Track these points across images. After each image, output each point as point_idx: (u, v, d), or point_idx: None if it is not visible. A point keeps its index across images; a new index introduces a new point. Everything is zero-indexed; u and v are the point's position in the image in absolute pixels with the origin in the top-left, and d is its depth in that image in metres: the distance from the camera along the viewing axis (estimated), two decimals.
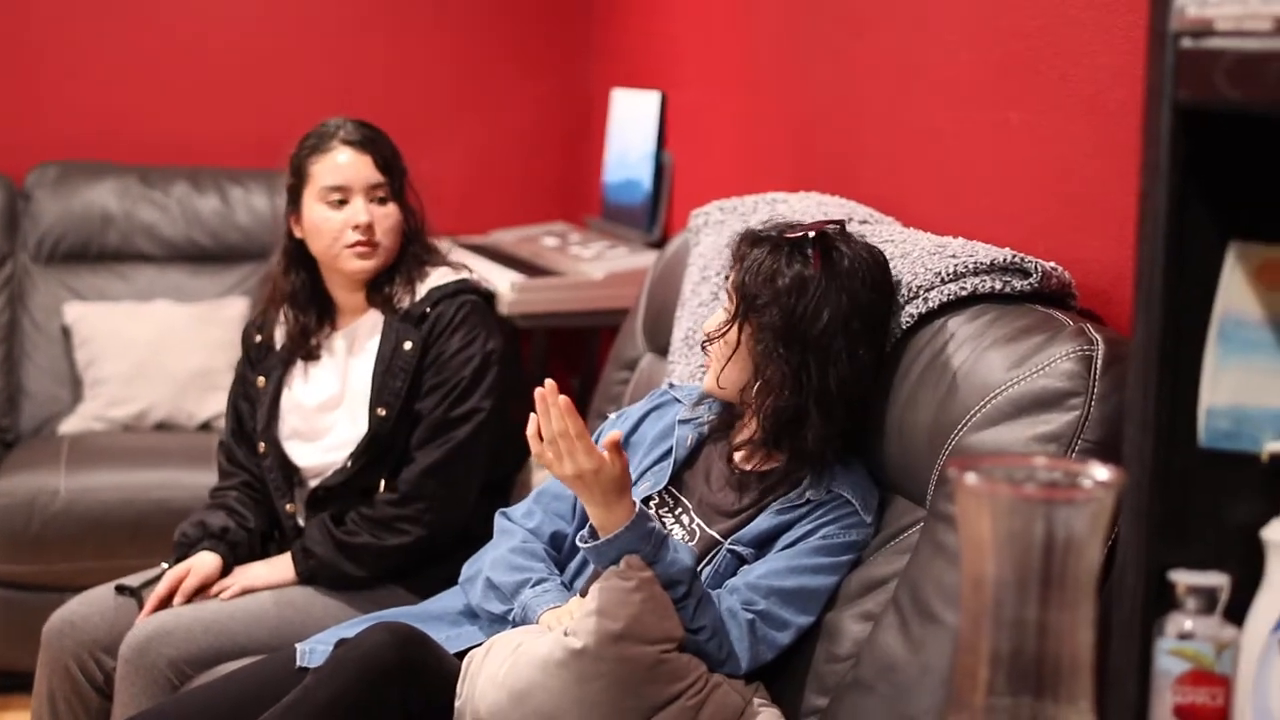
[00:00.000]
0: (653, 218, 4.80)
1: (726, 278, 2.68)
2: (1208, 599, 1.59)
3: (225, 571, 3.17)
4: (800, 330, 2.50)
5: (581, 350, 5.20)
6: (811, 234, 2.54)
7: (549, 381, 2.45)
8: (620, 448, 2.43)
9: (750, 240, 2.61)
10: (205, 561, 3.14)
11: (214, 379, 4.79)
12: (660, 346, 3.49)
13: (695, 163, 4.63)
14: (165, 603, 3.08)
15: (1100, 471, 1.46)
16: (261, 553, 3.27)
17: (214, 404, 4.75)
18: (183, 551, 3.18)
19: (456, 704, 2.42)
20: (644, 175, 4.85)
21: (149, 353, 4.79)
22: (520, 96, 5.62)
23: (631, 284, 4.41)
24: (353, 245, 3.16)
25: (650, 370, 3.50)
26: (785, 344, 2.50)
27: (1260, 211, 1.59)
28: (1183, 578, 1.59)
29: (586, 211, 5.45)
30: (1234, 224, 1.59)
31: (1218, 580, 1.58)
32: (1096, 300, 2.56)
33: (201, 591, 3.12)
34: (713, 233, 3.31)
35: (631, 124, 4.99)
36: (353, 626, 2.78)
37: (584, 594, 2.53)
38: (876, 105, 3.42)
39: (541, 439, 2.43)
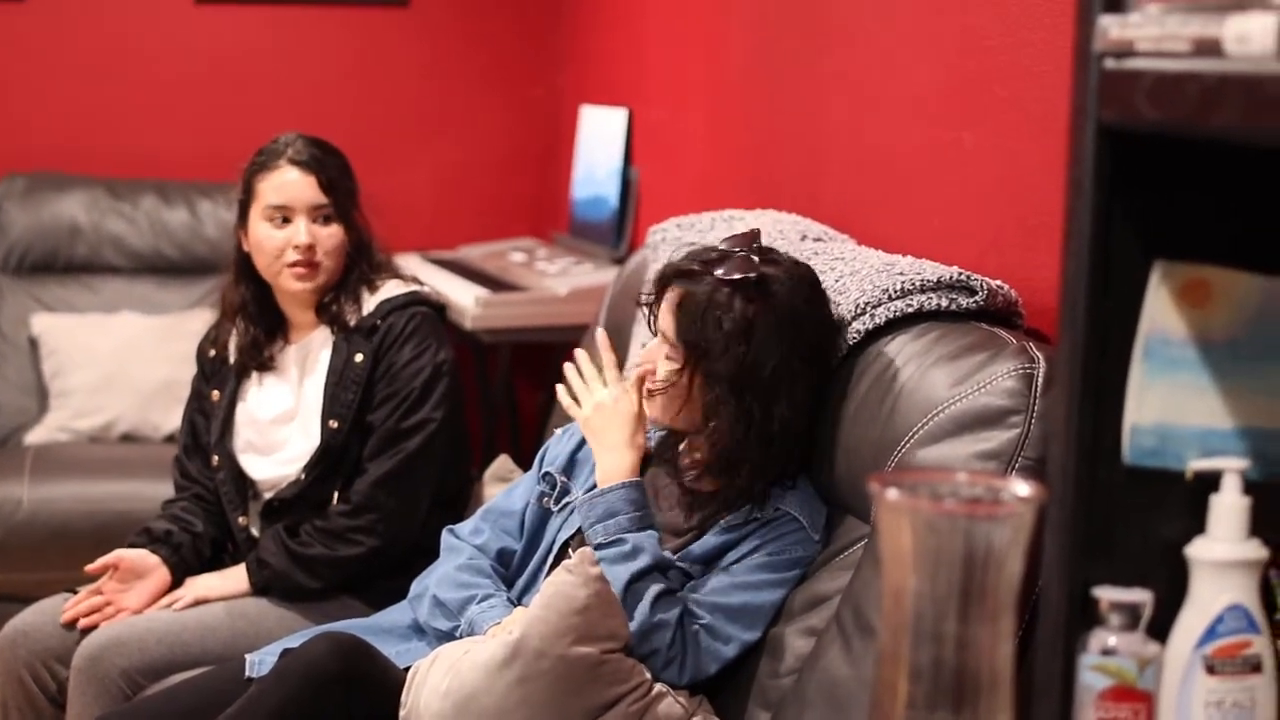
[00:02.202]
0: (619, 234, 4.81)
1: (650, 316, 2.68)
2: (1131, 615, 1.59)
3: (171, 570, 3.16)
4: (750, 376, 2.51)
5: (545, 365, 5.21)
6: (751, 274, 2.53)
7: (599, 333, 2.66)
8: (642, 386, 2.53)
9: (679, 277, 2.59)
10: (129, 553, 3.14)
11: (180, 391, 4.69)
12: (618, 363, 3.49)
13: (661, 179, 4.64)
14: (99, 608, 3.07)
15: (1022, 487, 1.47)
16: (212, 561, 3.26)
17: (180, 416, 4.71)
18: None
19: (401, 714, 2.43)
20: (611, 191, 4.86)
21: (115, 364, 4.79)
22: (490, 112, 5.63)
23: (595, 300, 4.41)
24: (293, 265, 3.16)
25: None
26: (735, 392, 2.51)
27: (1184, 231, 1.61)
28: (1106, 594, 1.60)
29: (555, 227, 5.46)
30: (1159, 243, 1.61)
31: (1141, 596, 1.59)
32: (1045, 319, 2.57)
33: (133, 577, 3.12)
34: (669, 249, 3.31)
35: (599, 140, 5.00)
36: (300, 638, 2.78)
37: None
38: (837, 124, 3.44)
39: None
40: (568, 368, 2.64)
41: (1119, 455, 1.62)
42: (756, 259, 2.56)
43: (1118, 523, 1.63)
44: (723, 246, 2.61)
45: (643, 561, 2.44)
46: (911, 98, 3.09)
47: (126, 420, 4.76)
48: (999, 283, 2.55)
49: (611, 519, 2.50)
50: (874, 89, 3.26)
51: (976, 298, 2.53)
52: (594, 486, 2.67)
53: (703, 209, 3.57)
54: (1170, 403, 1.62)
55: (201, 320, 4.86)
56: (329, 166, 3.21)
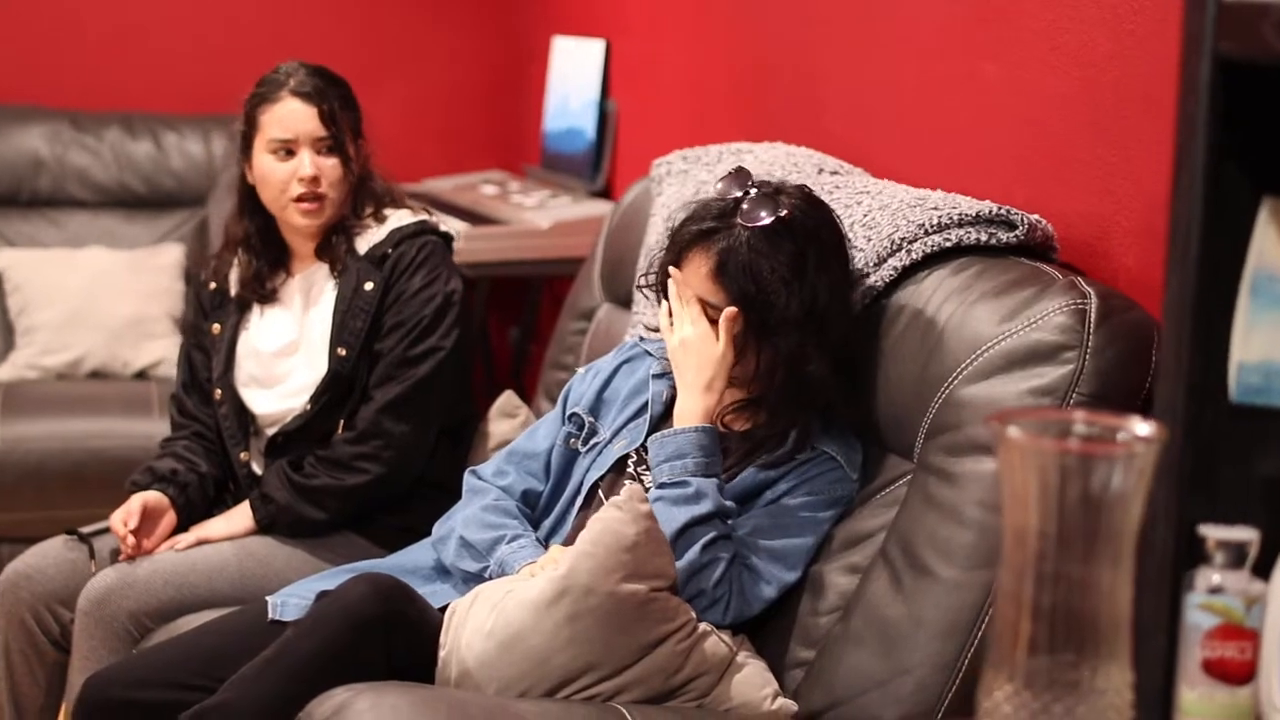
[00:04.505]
0: (596, 166, 4.76)
1: (653, 276, 2.66)
2: (1237, 554, 1.58)
3: (177, 512, 3.12)
4: (813, 307, 2.49)
5: (519, 300, 5.17)
6: (780, 213, 2.50)
7: (673, 270, 2.57)
8: (731, 326, 2.49)
9: (701, 239, 2.55)
10: (149, 496, 3.09)
11: (149, 327, 4.72)
12: (618, 297, 3.47)
13: (641, 111, 4.60)
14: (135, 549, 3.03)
15: (1142, 427, 1.45)
16: (215, 501, 3.22)
17: (149, 352, 4.69)
18: None
19: (440, 655, 2.39)
20: (587, 124, 4.81)
21: (82, 300, 4.71)
22: (456, 44, 5.56)
23: (577, 233, 4.39)
24: (299, 199, 3.11)
25: (609, 320, 3.48)
26: (807, 328, 2.49)
27: None
28: (1213, 532, 1.59)
29: (525, 160, 5.40)
30: (1268, 179, 1.59)
31: (1247, 535, 1.58)
32: (1078, 253, 2.55)
33: (151, 521, 3.07)
34: (676, 182, 3.29)
35: (574, 72, 4.94)
36: (325, 579, 2.75)
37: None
38: (839, 54, 3.40)
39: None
40: (671, 287, 2.57)
41: (1225, 393, 1.61)
42: (770, 196, 2.53)
43: (1221, 461, 1.62)
44: (722, 196, 2.57)
45: (704, 507, 2.42)
46: (923, 27, 3.06)
47: (95, 357, 4.69)
48: (1036, 217, 2.53)
49: (679, 460, 2.46)
50: (879, 16, 3.23)
51: (1016, 232, 2.51)
52: (634, 417, 2.66)
53: (690, 143, 3.53)
54: (1277, 340, 1.61)
55: (169, 255, 4.83)
56: (331, 97, 3.15)
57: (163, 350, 4.69)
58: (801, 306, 2.48)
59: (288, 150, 3.12)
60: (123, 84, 5.25)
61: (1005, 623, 1.47)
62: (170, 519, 3.10)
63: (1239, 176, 1.58)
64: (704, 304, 2.53)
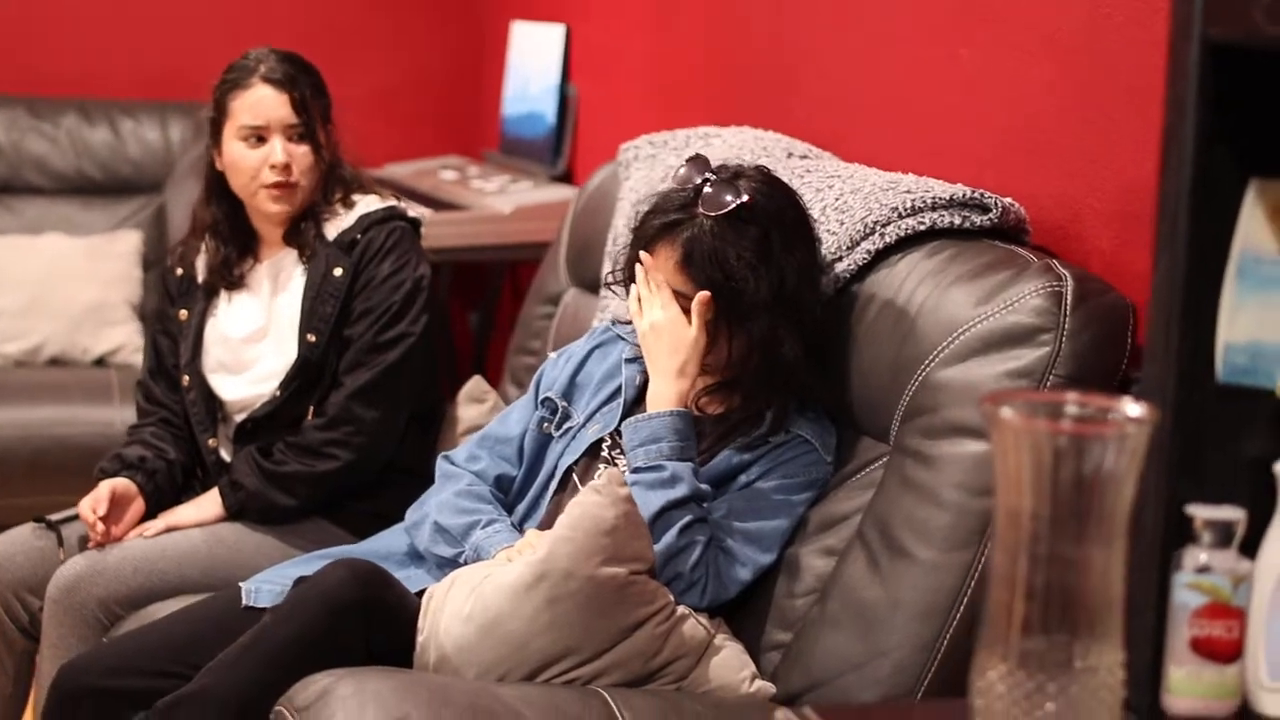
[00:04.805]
0: (557, 151, 4.76)
1: (619, 271, 2.68)
2: (1224, 533, 1.60)
3: (146, 499, 3.10)
4: (781, 288, 2.49)
5: (480, 286, 5.16)
6: (741, 199, 2.51)
7: (644, 255, 2.57)
8: (703, 310, 2.49)
9: (665, 231, 2.55)
10: (117, 483, 3.07)
11: (108, 313, 4.69)
12: (585, 281, 3.47)
13: (602, 96, 4.60)
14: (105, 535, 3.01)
15: (1133, 408, 1.46)
16: (183, 486, 3.21)
17: (109, 339, 4.67)
18: None
19: (418, 640, 2.39)
20: (547, 108, 4.81)
21: (41, 287, 4.67)
22: (413, 29, 5.54)
23: (540, 218, 4.38)
24: (270, 186, 3.10)
25: (575, 305, 3.48)
26: (777, 311, 2.49)
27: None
28: (1200, 512, 1.61)
29: (483, 145, 5.39)
30: (1253, 161, 1.60)
31: (1234, 514, 1.60)
32: (1051, 236, 2.57)
33: (120, 508, 3.05)
34: (644, 167, 3.29)
35: (533, 57, 4.94)
36: (299, 565, 2.75)
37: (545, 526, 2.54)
38: (808, 38, 3.41)
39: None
40: (609, 277, 2.58)
41: (1212, 374, 1.62)
42: (730, 181, 2.54)
43: (1208, 441, 1.63)
44: (682, 184, 2.57)
45: (680, 491, 2.42)
46: (897, 12, 3.07)
47: (54, 344, 4.65)
48: (1010, 200, 2.54)
49: (654, 444, 2.46)
50: (852, 2, 3.23)
51: (990, 215, 2.52)
52: (607, 401, 2.67)
53: (653, 127, 3.53)
54: (1263, 321, 1.63)
55: (127, 242, 4.80)
56: (301, 84, 3.14)
57: (122, 337, 4.67)
58: (770, 289, 2.49)
59: (259, 137, 3.11)
60: (80, 70, 5.21)
61: (999, 603, 1.48)
62: (139, 506, 3.08)
63: (1225, 158, 1.59)
64: (675, 294, 2.54)
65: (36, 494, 3.87)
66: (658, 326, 2.53)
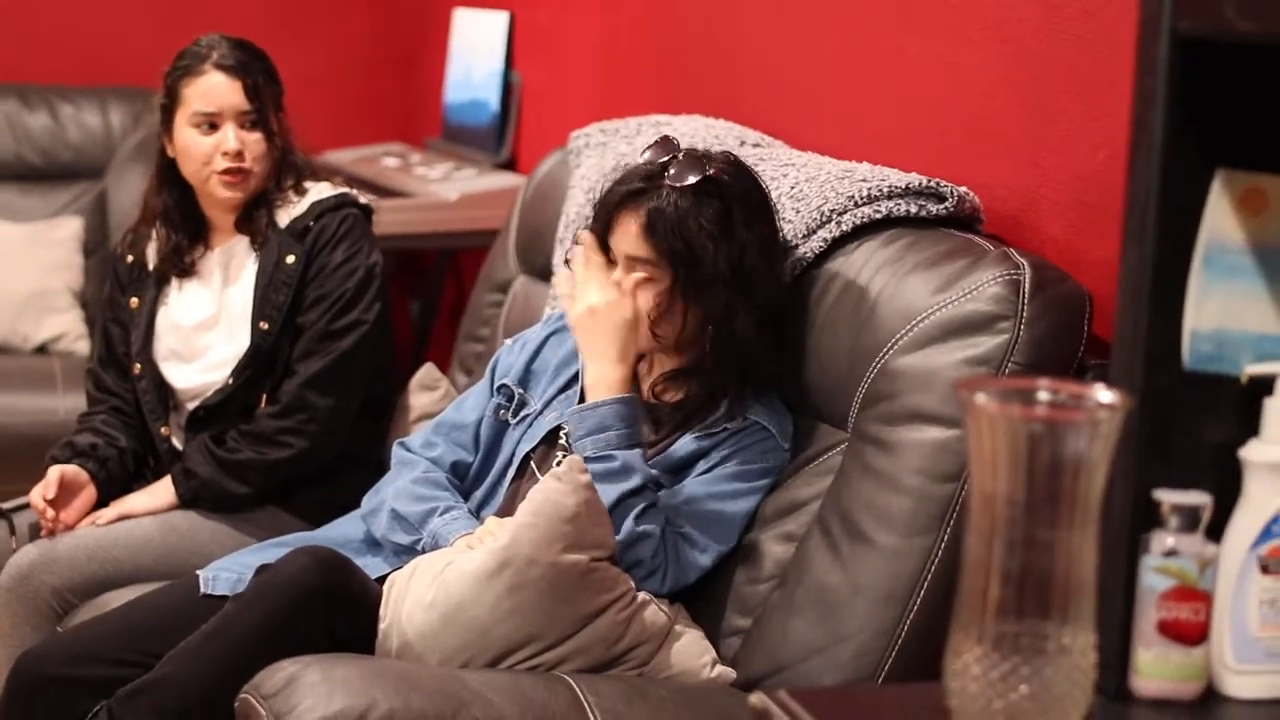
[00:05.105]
0: (500, 139, 4.76)
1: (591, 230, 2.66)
2: (1191, 517, 1.63)
3: (98, 487, 3.10)
4: (742, 265, 2.51)
5: (420, 273, 5.16)
6: (707, 171, 2.54)
7: (585, 235, 2.57)
8: (636, 293, 2.51)
9: (630, 199, 2.57)
10: (67, 469, 3.07)
11: (49, 300, 4.67)
12: (535, 268, 3.48)
13: (547, 83, 4.60)
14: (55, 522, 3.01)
15: (1105, 394, 1.49)
16: (134, 474, 3.21)
17: (50, 326, 4.64)
18: None
19: (381, 627, 2.40)
20: (491, 96, 4.81)
21: None
22: (351, 15, 5.53)
23: (485, 205, 4.38)
24: (223, 173, 3.10)
25: (525, 292, 3.48)
26: (732, 285, 2.51)
27: (1244, 139, 1.63)
28: (1167, 496, 1.63)
29: (424, 132, 5.38)
30: (1219, 151, 1.63)
31: (1201, 499, 1.63)
32: (1005, 225, 2.60)
33: (69, 494, 3.05)
34: (595, 154, 3.30)
35: (476, 44, 4.93)
36: (256, 553, 2.75)
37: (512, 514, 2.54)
38: (754, 26, 3.42)
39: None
40: (567, 259, 2.59)
41: (1179, 361, 1.65)
42: (697, 159, 2.56)
43: (1174, 427, 1.66)
44: (651, 161, 2.59)
45: (633, 481, 2.43)
46: (842, 3, 3.09)
47: None
48: (964, 189, 2.57)
49: (601, 434, 2.47)
50: None
51: (946, 204, 2.55)
52: (564, 388, 2.68)
53: (599, 115, 3.55)
54: (1228, 309, 1.65)
55: (68, 228, 4.78)
56: (255, 71, 3.14)
57: (64, 324, 4.65)
58: (729, 263, 2.51)
59: (211, 124, 3.11)
60: (17, 56, 5.16)
61: (973, 586, 1.50)
62: (90, 493, 3.08)
63: (1192, 150, 1.62)
64: (633, 261, 2.55)
65: None
66: (596, 310, 2.52)
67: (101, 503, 3.10)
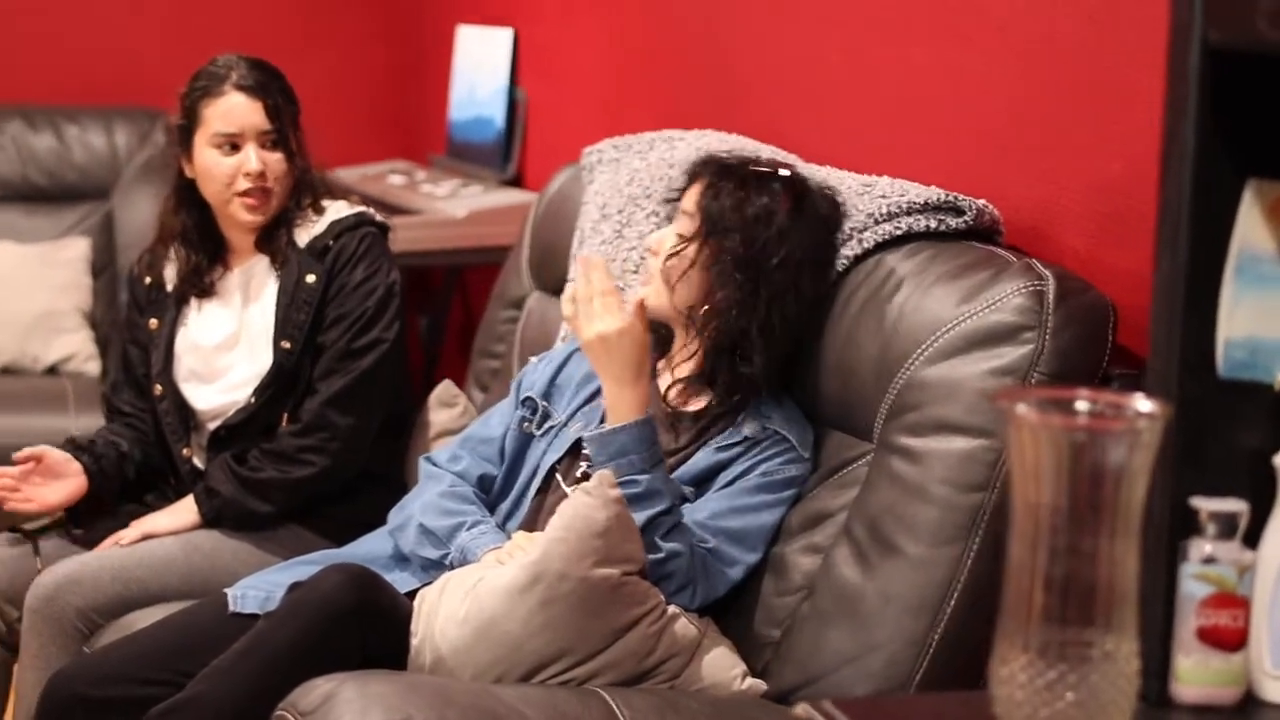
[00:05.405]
0: (506, 155, 4.78)
1: (671, 200, 2.73)
2: (1228, 524, 1.65)
3: (90, 478, 3.14)
4: (758, 260, 2.54)
5: (428, 290, 5.17)
6: (783, 172, 2.60)
7: (596, 259, 2.58)
8: (644, 314, 2.54)
9: (715, 167, 2.64)
10: (54, 450, 3.13)
11: (58, 321, 4.68)
12: (549, 284, 3.49)
13: (552, 100, 4.62)
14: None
15: (1145, 403, 1.50)
16: (135, 481, 3.23)
17: (60, 347, 4.66)
18: None
19: (413, 643, 2.41)
20: (496, 113, 4.83)
21: None
22: (352, 34, 5.55)
23: (494, 222, 4.40)
24: (244, 194, 3.12)
25: (540, 309, 3.50)
26: (742, 270, 2.54)
27: (1275, 149, 1.65)
28: (1205, 504, 1.65)
29: (429, 149, 5.40)
30: (1251, 161, 1.65)
31: (1237, 506, 1.65)
32: (1024, 237, 2.61)
33: (50, 474, 3.11)
34: (608, 170, 3.32)
35: (480, 61, 4.95)
36: (284, 570, 2.76)
37: (537, 527, 2.56)
38: (762, 41, 3.44)
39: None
40: (573, 281, 2.60)
41: (1213, 369, 1.67)
42: (786, 164, 2.65)
43: (1209, 435, 1.68)
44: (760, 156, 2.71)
45: (660, 504, 2.44)
46: (848, 13, 3.11)
47: (5, 353, 4.64)
48: (983, 202, 2.59)
49: (624, 458, 2.47)
50: (805, 3, 3.28)
51: (965, 217, 2.57)
52: (589, 400, 2.70)
53: (606, 131, 3.57)
54: (1260, 317, 1.68)
55: (75, 249, 4.79)
56: (274, 91, 3.15)
57: (74, 345, 4.66)
58: (746, 246, 2.55)
59: (232, 144, 3.12)
60: (21, 76, 5.18)
61: (1018, 594, 1.51)
62: (77, 483, 3.13)
63: (1223, 160, 1.64)
64: (683, 214, 2.63)
65: None
66: (607, 337, 2.51)
67: (93, 499, 3.14)
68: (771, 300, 2.54)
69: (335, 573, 2.44)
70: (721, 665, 2.43)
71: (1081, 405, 1.51)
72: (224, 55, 3.20)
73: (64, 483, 3.13)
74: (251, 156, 3.11)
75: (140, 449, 3.24)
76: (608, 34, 4.22)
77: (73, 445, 3.17)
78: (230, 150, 3.12)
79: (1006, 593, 1.53)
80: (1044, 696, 1.50)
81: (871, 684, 2.31)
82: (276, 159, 3.14)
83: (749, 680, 2.44)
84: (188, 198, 3.21)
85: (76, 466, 3.13)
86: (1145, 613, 1.67)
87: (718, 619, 2.52)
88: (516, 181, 4.74)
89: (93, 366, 4.66)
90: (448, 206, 4.51)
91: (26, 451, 3.12)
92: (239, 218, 3.14)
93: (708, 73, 3.70)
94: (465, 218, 4.44)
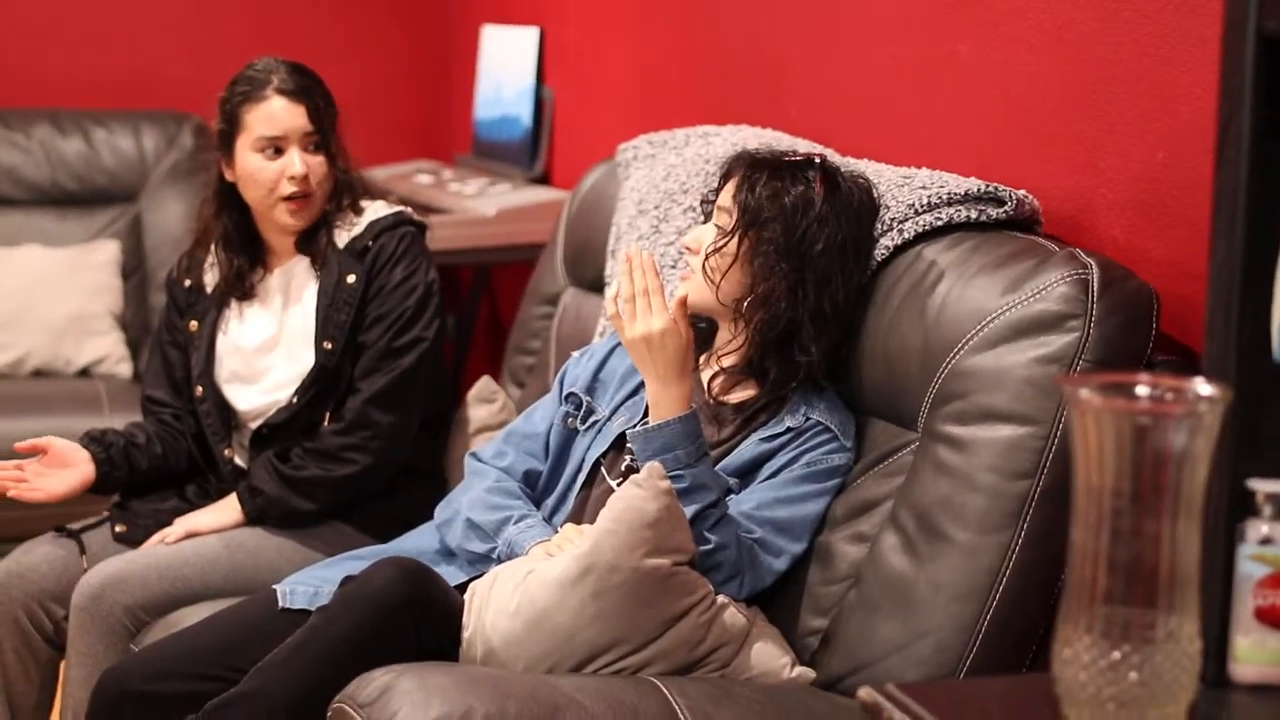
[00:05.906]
0: (533, 154, 4.80)
1: (708, 199, 2.76)
2: None
3: (97, 466, 3.17)
4: (801, 248, 2.57)
5: (457, 288, 5.20)
6: (817, 159, 2.62)
7: (635, 245, 2.58)
8: (686, 313, 2.55)
9: (748, 161, 2.67)
10: (62, 441, 3.17)
11: (90, 324, 4.71)
12: (584, 281, 3.52)
13: (580, 98, 4.64)
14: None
15: (1206, 388, 1.53)
16: (147, 471, 3.25)
17: (92, 349, 4.68)
18: None
19: (464, 636, 2.44)
20: (523, 112, 4.85)
21: (21, 299, 4.68)
22: (377, 34, 5.57)
23: (523, 220, 4.43)
24: (287, 198, 3.14)
25: (576, 304, 3.52)
26: (786, 259, 2.57)
27: None
28: (1262, 486, 1.68)
29: (455, 149, 5.43)
30: None
31: None
32: (1063, 227, 2.64)
33: (56, 462, 3.15)
34: (644, 166, 3.34)
35: (506, 60, 4.98)
36: (331, 566, 2.79)
37: (583, 520, 2.59)
38: (800, 37, 3.46)
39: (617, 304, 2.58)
40: (612, 280, 2.62)
41: (1268, 353, 1.69)
42: (819, 155, 2.67)
43: (1264, 417, 1.70)
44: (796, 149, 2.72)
45: (707, 497, 2.46)
46: (892, 9, 3.13)
47: (37, 355, 4.67)
48: (1023, 192, 2.61)
49: (669, 453, 2.48)
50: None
51: (1006, 208, 2.59)
52: (632, 394, 2.72)
53: (636, 128, 3.59)
54: None
55: (105, 252, 4.81)
56: (315, 94, 3.18)
57: (106, 347, 4.69)
58: (786, 237, 2.57)
59: (276, 148, 3.14)
60: (50, 80, 5.22)
61: (1081, 577, 1.54)
62: (85, 472, 3.16)
63: (1278, 147, 1.66)
64: (720, 210, 2.65)
65: (30, 506, 3.89)
66: (652, 338, 2.53)
67: (101, 485, 3.18)
68: (820, 286, 2.56)
69: (388, 566, 2.46)
70: (770, 654, 2.45)
71: (1143, 390, 1.54)
72: (262, 59, 3.22)
73: (71, 471, 3.16)
74: (295, 160, 3.13)
75: (163, 444, 3.26)
76: (636, 31, 4.25)
77: (87, 437, 3.21)
78: (274, 154, 3.14)
79: (1070, 576, 1.56)
80: (1108, 677, 1.52)
81: (921, 670, 2.33)
82: (319, 162, 3.16)
83: (798, 669, 2.46)
84: (227, 201, 3.23)
85: (85, 455, 3.16)
86: (1203, 594, 1.69)
87: (764, 608, 2.54)
88: (544, 179, 4.77)
89: (124, 368, 4.69)
90: (478, 205, 4.54)
91: (31, 442, 3.14)
92: (282, 221, 3.17)
93: (741, 67, 3.72)
94: (495, 216, 4.47)
